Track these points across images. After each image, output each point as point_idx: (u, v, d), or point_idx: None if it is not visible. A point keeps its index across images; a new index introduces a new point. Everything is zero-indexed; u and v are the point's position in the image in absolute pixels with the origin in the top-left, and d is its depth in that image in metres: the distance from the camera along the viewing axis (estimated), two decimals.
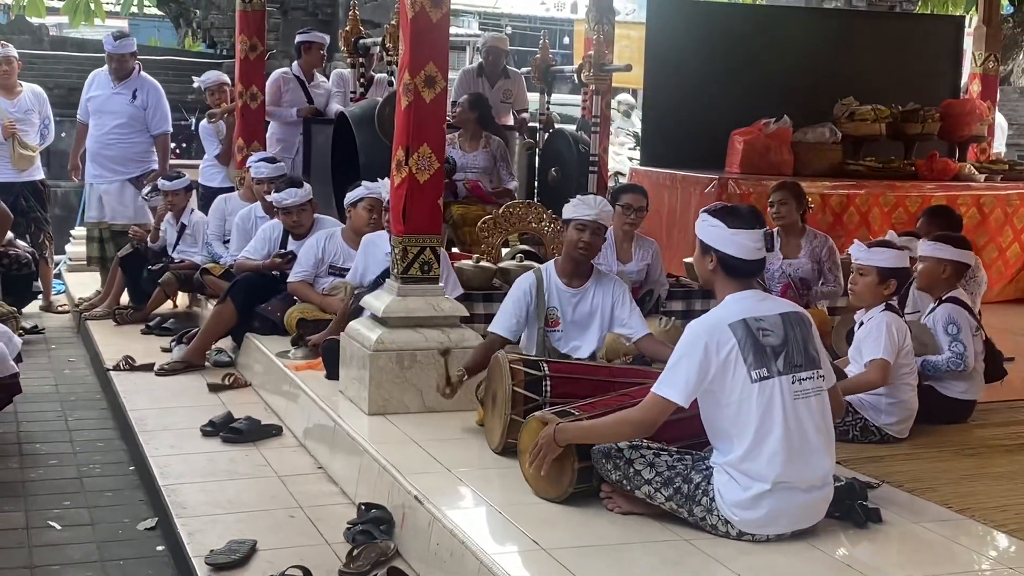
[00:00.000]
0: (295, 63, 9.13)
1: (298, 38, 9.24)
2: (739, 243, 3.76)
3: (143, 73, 8.84)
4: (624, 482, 3.85)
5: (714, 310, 3.82)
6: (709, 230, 3.79)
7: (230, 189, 8.61)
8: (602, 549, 3.65)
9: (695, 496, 3.74)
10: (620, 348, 5.28)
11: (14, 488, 5.10)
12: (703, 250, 3.83)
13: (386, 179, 6.46)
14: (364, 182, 6.53)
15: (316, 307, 6.44)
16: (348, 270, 6.35)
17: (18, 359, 5.34)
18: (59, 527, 4.67)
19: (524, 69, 9.34)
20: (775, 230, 6.53)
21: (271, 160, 7.73)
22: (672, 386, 3.67)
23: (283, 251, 6.93)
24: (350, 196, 6.57)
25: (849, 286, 5.21)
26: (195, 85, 9.85)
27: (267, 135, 8.84)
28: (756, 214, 3.92)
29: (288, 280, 6.65)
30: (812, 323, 3.90)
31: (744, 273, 3.83)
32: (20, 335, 5.97)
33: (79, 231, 10.18)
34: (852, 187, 8.54)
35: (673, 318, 6.05)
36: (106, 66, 8.78)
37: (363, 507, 4.35)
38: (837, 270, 6.66)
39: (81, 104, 8.90)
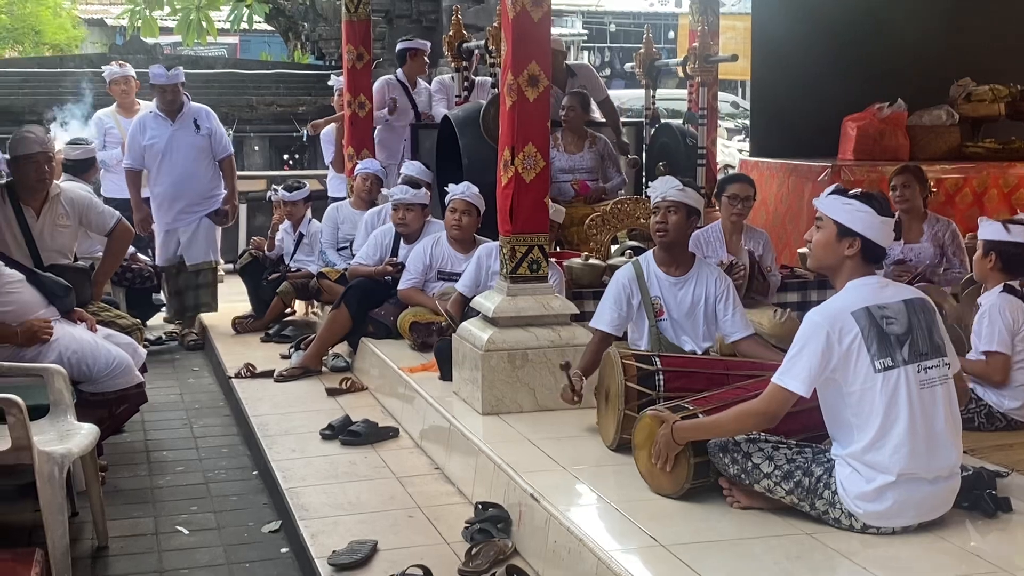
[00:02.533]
0: (399, 70, 9.22)
1: (401, 46, 9.33)
2: (884, 230, 3.70)
3: (192, 101, 8.30)
4: (742, 476, 3.80)
5: (835, 297, 3.74)
6: (856, 215, 3.68)
7: None
8: (722, 544, 3.61)
9: (816, 489, 3.68)
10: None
11: (143, 495, 5.25)
12: (842, 234, 3.69)
13: (466, 182, 6.52)
14: (451, 185, 6.59)
15: (428, 310, 6.50)
16: (457, 274, 6.39)
17: (143, 370, 5.48)
18: (187, 532, 4.79)
19: (628, 65, 9.25)
20: (896, 215, 6.39)
21: (414, 184, 7.53)
22: (794, 376, 3.60)
23: (395, 260, 7.01)
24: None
25: None
26: (329, 83, 10.00)
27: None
28: (888, 201, 3.85)
29: (398, 288, 6.72)
30: (936, 309, 3.80)
31: (878, 260, 3.78)
32: (145, 347, 6.13)
33: None
34: (971, 169, 8.31)
35: (788, 310, 5.96)
36: (154, 105, 8.19)
37: (480, 506, 4.37)
38: (962, 254, 6.49)
39: (134, 151, 8.18)
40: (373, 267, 7.08)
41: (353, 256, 7.51)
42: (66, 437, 4.34)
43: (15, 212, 5.70)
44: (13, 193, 5.73)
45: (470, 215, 6.51)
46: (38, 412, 4.41)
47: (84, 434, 4.40)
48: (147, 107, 8.77)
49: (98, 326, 5.43)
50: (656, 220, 4.96)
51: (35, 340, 4.95)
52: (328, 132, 9.46)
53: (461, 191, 6.50)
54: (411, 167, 7.80)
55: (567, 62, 8.55)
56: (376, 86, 8.96)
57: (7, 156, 5.86)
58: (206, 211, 8.23)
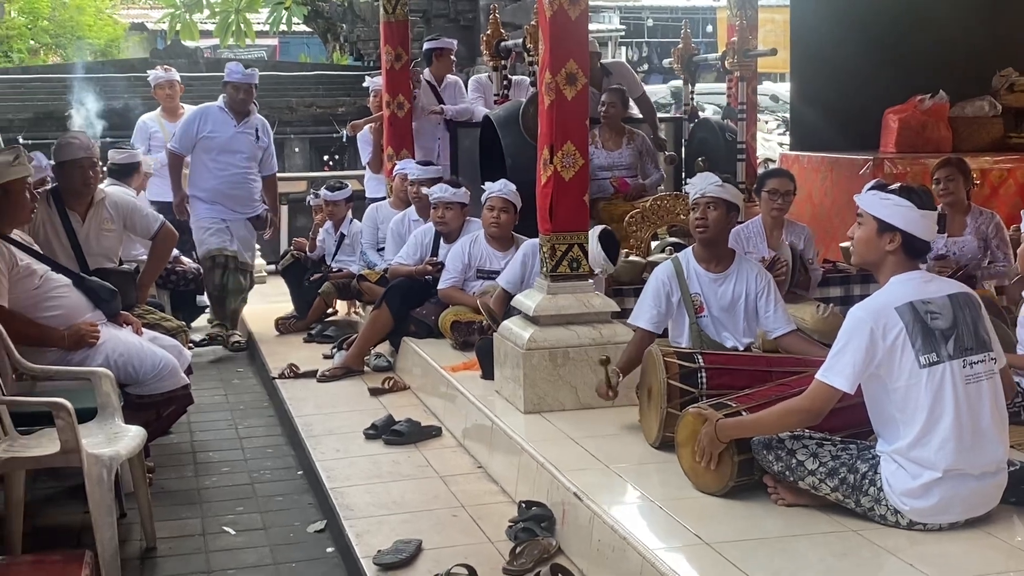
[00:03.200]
0: (426, 69, 9.20)
1: (427, 45, 9.29)
2: (925, 224, 3.67)
3: (257, 113, 8.28)
4: (787, 473, 3.78)
5: (878, 293, 3.72)
6: (894, 209, 3.66)
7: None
8: (767, 542, 3.60)
9: (862, 486, 3.66)
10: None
11: (190, 496, 5.30)
12: (882, 229, 3.68)
13: (503, 179, 6.55)
14: (487, 183, 6.63)
15: (469, 309, 6.51)
16: (495, 272, 6.42)
17: (188, 371, 5.53)
18: (234, 532, 4.83)
19: (666, 60, 9.22)
20: (940, 208, 6.33)
21: (426, 163, 7.82)
22: (838, 373, 3.59)
23: (434, 260, 7.04)
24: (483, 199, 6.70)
25: None
26: (364, 85, 10.03)
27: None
28: (930, 194, 3.82)
29: (439, 287, 6.74)
30: (981, 304, 3.76)
31: (921, 255, 3.75)
32: (189, 348, 6.18)
33: None
34: (1015, 161, 8.21)
35: (831, 305, 5.92)
36: (220, 101, 8.09)
37: (524, 505, 4.38)
38: (1006, 247, 6.43)
39: (184, 137, 8.09)
40: (413, 266, 7.11)
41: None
42: (114, 440, 4.38)
43: (61, 217, 5.77)
44: (59, 198, 5.80)
45: (508, 212, 6.55)
46: (86, 415, 4.46)
47: (131, 436, 4.45)
48: (181, 105, 8.80)
49: (144, 329, 5.49)
50: (696, 216, 4.94)
51: (82, 344, 5.01)
52: (365, 133, 9.47)
53: (498, 189, 6.54)
54: (414, 165, 7.84)
55: (602, 61, 8.52)
56: None
57: (52, 162, 5.93)
58: (249, 214, 8.17)
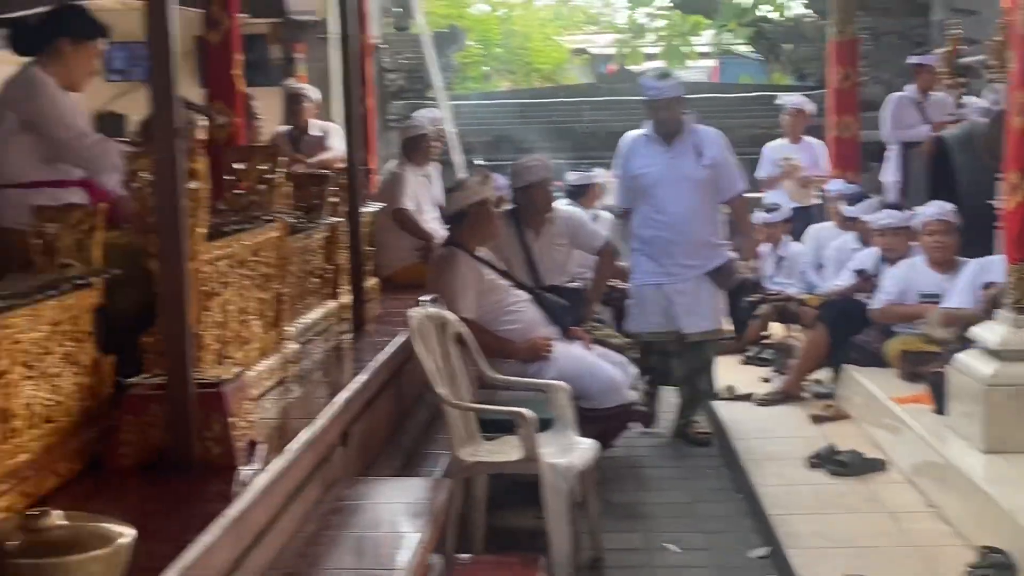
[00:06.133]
0: (908, 85, 8.96)
1: (910, 60, 9.11)
2: None
3: (695, 124, 6.51)
4: None
5: None
6: None
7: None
8: None
9: None
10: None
11: (632, 509, 5.43)
12: None
13: (938, 201, 6.45)
14: (917, 208, 6.55)
15: (921, 339, 6.24)
16: (935, 296, 6.26)
17: (633, 387, 5.67)
18: (679, 550, 4.89)
19: None
20: None
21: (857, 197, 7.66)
22: None
23: (859, 269, 6.84)
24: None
25: None
26: (778, 102, 9.96)
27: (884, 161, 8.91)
28: None
29: (872, 308, 6.53)
30: None
31: None
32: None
33: None
34: None
35: None
36: (646, 127, 6.52)
37: (984, 550, 4.12)
38: None
39: (623, 189, 6.63)
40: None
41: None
42: (568, 450, 4.56)
43: (518, 235, 6.09)
44: (516, 217, 6.12)
45: (949, 235, 6.36)
46: (541, 425, 4.67)
47: (585, 448, 4.61)
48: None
49: (592, 344, 5.69)
50: None
51: (537, 356, 5.29)
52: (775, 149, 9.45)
53: (934, 212, 6.40)
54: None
55: None
56: (892, 103, 8.86)
57: (514, 184, 6.25)
58: (705, 267, 6.41)
